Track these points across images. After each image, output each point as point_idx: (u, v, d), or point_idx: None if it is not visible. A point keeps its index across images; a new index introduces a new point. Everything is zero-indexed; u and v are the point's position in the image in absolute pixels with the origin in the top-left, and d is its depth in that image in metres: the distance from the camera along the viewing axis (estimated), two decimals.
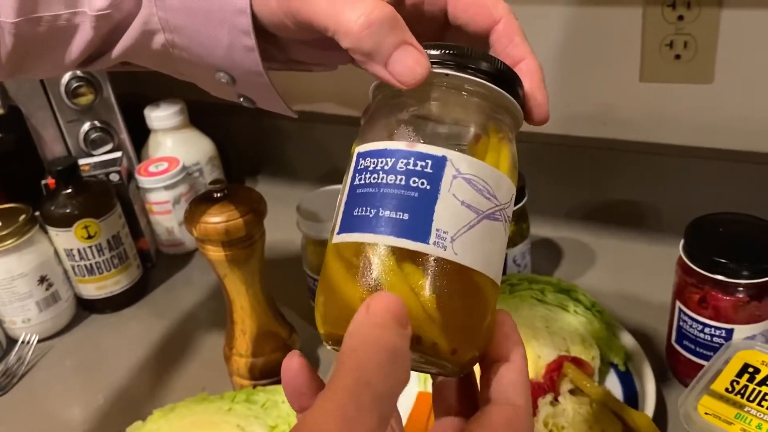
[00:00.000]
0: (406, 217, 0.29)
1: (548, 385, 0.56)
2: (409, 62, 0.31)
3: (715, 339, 0.56)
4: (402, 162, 0.30)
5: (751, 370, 0.50)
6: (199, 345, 0.74)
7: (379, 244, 0.29)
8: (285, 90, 0.41)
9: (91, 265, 0.77)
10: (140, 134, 0.94)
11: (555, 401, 0.55)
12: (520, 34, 0.36)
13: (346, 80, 0.85)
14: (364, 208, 0.30)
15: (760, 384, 0.49)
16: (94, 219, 0.75)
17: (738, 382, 0.49)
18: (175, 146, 0.92)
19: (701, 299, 0.56)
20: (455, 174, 0.30)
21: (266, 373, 0.63)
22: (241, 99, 0.42)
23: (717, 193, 0.75)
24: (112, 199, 0.78)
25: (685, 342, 0.58)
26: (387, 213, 0.29)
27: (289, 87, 0.87)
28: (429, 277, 0.29)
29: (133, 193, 0.85)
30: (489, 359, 0.31)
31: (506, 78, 0.33)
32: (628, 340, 0.60)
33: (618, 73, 0.79)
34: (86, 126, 0.86)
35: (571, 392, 0.55)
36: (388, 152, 0.30)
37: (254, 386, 0.62)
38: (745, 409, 0.47)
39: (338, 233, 0.31)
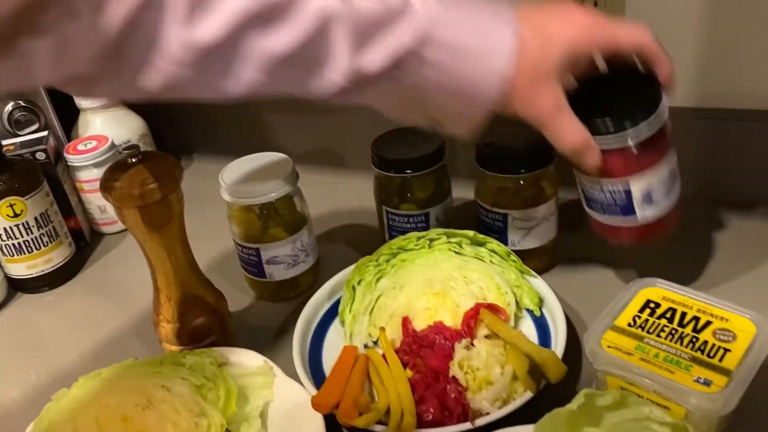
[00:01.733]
0: None
1: (466, 331, 0.59)
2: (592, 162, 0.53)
3: (615, 196, 0.57)
4: None
5: (652, 305, 0.54)
6: (133, 319, 0.74)
7: None
8: None
9: (19, 243, 0.77)
10: (71, 115, 0.93)
11: (471, 345, 0.57)
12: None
13: None
14: None
15: (659, 317, 0.52)
16: (20, 197, 0.75)
17: (639, 317, 0.53)
18: (105, 125, 0.92)
19: None
20: None
21: (194, 338, 0.63)
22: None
23: None
24: (38, 177, 0.78)
25: (592, 204, 0.59)
26: None
27: None
28: None
29: (62, 172, 0.85)
30: None
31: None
32: (542, 287, 0.63)
33: None
34: (9, 106, 0.85)
35: (487, 337, 0.58)
36: None
37: (182, 351, 0.63)
38: (645, 341, 0.50)
39: None
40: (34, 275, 0.79)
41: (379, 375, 0.56)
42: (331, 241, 0.81)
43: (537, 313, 0.62)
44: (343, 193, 0.89)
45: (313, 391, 0.55)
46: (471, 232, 0.65)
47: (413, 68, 0.47)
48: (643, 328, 0.52)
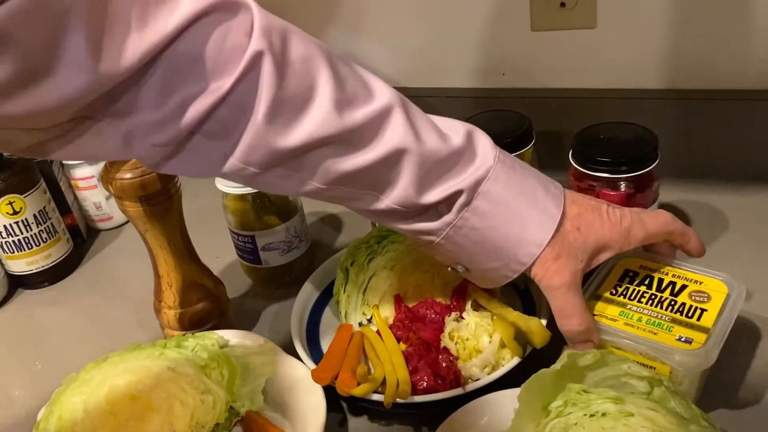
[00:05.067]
0: None
1: (455, 305, 0.62)
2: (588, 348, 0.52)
3: None
4: None
5: (631, 274, 0.57)
6: (133, 309, 0.77)
7: None
8: None
9: (19, 240, 0.79)
10: None
11: (460, 318, 0.60)
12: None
13: None
14: None
15: (638, 285, 0.56)
16: (19, 195, 0.77)
17: (620, 285, 0.56)
18: None
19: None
20: None
21: (195, 323, 0.66)
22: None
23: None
24: (35, 175, 0.80)
25: None
26: None
27: None
28: None
29: (58, 170, 0.87)
30: None
31: None
32: None
33: (511, 24, 0.84)
34: None
35: (475, 309, 0.61)
36: None
37: (184, 335, 0.65)
38: (627, 307, 0.54)
39: None
40: (34, 271, 0.82)
41: (375, 349, 0.59)
42: (323, 228, 0.84)
43: (521, 287, 0.65)
44: None
45: (312, 366, 0.57)
46: None
47: (461, 210, 0.50)
48: (624, 296, 0.55)
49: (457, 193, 0.49)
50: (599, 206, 0.54)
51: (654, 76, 0.82)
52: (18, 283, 0.83)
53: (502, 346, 0.57)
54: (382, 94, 0.47)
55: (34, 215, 0.79)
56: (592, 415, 0.43)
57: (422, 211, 0.51)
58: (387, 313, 0.64)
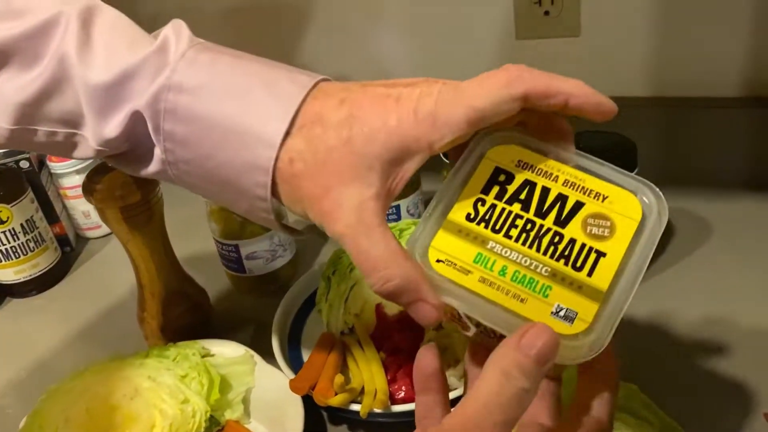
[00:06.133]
0: None
1: None
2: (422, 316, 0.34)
3: None
4: None
5: (502, 177, 0.36)
6: (119, 318, 0.77)
7: None
8: None
9: (6, 249, 0.79)
10: None
11: (440, 327, 0.61)
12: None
13: None
14: None
15: (511, 199, 0.35)
16: (6, 204, 0.78)
17: (484, 201, 0.36)
18: None
19: None
20: None
21: (178, 333, 0.66)
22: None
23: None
24: (22, 184, 0.80)
25: None
26: None
27: None
28: None
29: (46, 179, 0.87)
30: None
31: None
32: None
33: (496, 32, 0.84)
34: None
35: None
36: None
37: (166, 345, 0.65)
38: (489, 246, 0.34)
39: None
40: (22, 280, 0.82)
41: (354, 358, 0.60)
42: (308, 237, 0.85)
43: None
44: None
45: (292, 376, 0.58)
46: None
47: (158, 139, 0.39)
48: (488, 223, 0.35)
49: (135, 118, 0.40)
50: (379, 95, 0.36)
51: (636, 84, 0.82)
52: (6, 291, 0.83)
53: None
54: (45, 8, 0.41)
55: (21, 224, 0.79)
56: None
57: (132, 149, 0.42)
58: (368, 322, 0.64)
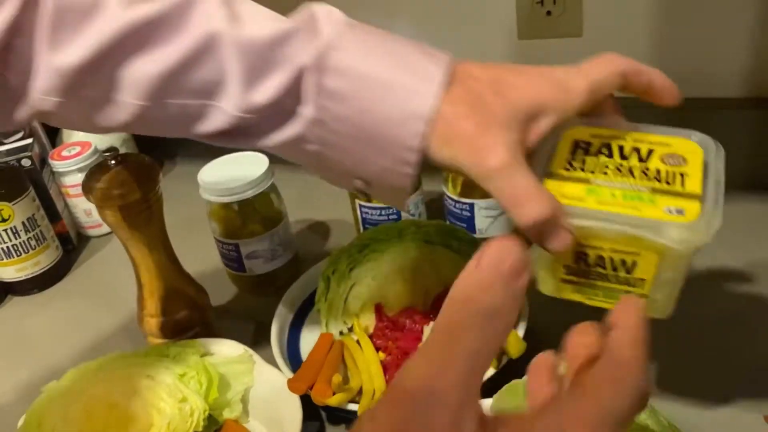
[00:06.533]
0: None
1: (434, 315, 0.62)
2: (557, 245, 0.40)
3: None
4: None
5: (583, 145, 0.44)
6: (120, 316, 0.77)
7: None
8: None
9: (8, 247, 0.79)
10: None
11: None
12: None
13: None
14: None
15: (596, 155, 0.44)
16: (7, 203, 0.78)
17: (575, 159, 0.44)
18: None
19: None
20: None
21: (178, 331, 0.66)
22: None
23: None
24: (24, 182, 0.81)
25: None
26: None
27: None
28: None
29: (48, 177, 0.87)
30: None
31: None
32: None
33: (498, 32, 0.84)
34: None
35: None
36: None
37: (166, 343, 0.66)
38: (592, 182, 0.42)
39: None
40: (24, 278, 0.82)
41: (353, 358, 0.60)
42: (308, 236, 0.85)
43: None
44: (318, 190, 0.92)
45: (290, 375, 0.58)
46: (438, 222, 0.68)
47: (316, 98, 0.41)
48: (584, 170, 0.42)
49: (298, 77, 0.41)
50: (520, 67, 0.43)
51: None
52: (7, 289, 0.84)
53: None
54: None
55: (23, 223, 0.80)
56: None
57: (272, 114, 0.42)
58: (367, 322, 0.64)
